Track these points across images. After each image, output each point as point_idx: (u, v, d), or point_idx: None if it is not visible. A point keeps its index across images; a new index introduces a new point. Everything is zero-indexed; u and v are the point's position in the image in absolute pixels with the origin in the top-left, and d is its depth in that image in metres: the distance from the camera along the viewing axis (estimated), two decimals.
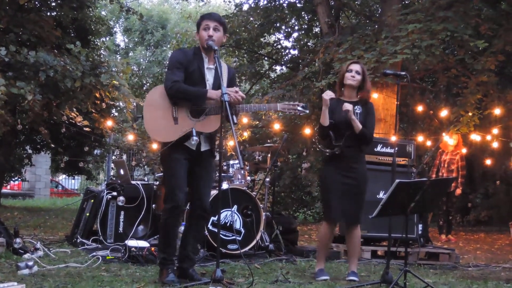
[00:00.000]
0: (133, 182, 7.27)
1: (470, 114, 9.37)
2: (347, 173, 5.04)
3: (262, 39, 16.77)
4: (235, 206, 6.40)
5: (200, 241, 5.77)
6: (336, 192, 5.03)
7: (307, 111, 4.80)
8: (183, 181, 4.48)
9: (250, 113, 12.36)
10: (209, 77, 4.59)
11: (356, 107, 5.08)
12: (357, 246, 5.27)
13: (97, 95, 9.14)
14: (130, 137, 10.61)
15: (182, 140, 4.45)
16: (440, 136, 10.44)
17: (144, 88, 23.51)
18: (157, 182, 7.23)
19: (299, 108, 4.74)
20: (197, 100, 4.48)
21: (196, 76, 4.53)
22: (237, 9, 16.48)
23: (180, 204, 4.45)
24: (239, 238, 6.38)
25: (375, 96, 10.00)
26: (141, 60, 29.05)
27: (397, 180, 4.25)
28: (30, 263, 4.65)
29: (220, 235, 5.30)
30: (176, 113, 4.48)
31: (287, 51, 17.04)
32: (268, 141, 13.35)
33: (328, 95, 4.96)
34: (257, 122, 14.18)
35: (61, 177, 30.43)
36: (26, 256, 5.35)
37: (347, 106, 4.96)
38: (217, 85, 4.56)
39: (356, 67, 5.13)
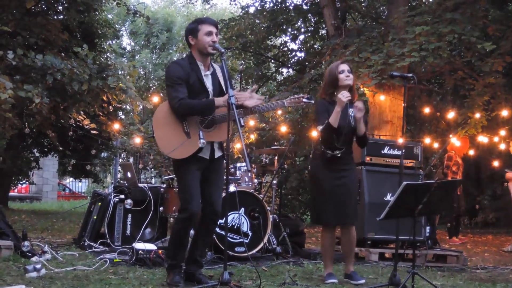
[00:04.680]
0: (140, 185, 7.26)
1: (477, 116, 9.34)
2: (341, 174, 5.04)
3: (268, 42, 16.78)
4: (242, 209, 6.39)
5: (209, 245, 5.78)
6: (331, 195, 5.02)
7: (313, 101, 4.78)
8: (197, 192, 4.47)
9: (257, 116, 12.36)
10: (209, 84, 4.57)
11: (350, 109, 5.03)
12: (353, 246, 5.27)
13: (104, 98, 9.16)
14: (137, 140, 10.62)
15: (196, 152, 4.46)
16: (447, 138, 10.41)
17: (151, 91, 23.54)
18: (164, 185, 7.22)
19: (304, 100, 4.71)
20: (206, 112, 4.45)
21: (197, 86, 4.50)
22: (243, 11, 16.46)
23: (194, 215, 4.44)
24: (247, 241, 6.37)
25: (382, 98, 9.99)
26: (147, 63, 29.11)
27: (405, 182, 4.23)
28: (38, 266, 4.65)
29: (228, 238, 5.30)
30: (187, 128, 4.45)
31: (293, 53, 17.05)
32: (275, 143, 13.35)
33: (345, 96, 4.80)
34: (264, 125, 14.19)
35: (68, 180, 30.51)
36: (34, 259, 5.36)
37: (360, 105, 4.90)
38: (217, 91, 4.57)
39: (346, 66, 5.06)
